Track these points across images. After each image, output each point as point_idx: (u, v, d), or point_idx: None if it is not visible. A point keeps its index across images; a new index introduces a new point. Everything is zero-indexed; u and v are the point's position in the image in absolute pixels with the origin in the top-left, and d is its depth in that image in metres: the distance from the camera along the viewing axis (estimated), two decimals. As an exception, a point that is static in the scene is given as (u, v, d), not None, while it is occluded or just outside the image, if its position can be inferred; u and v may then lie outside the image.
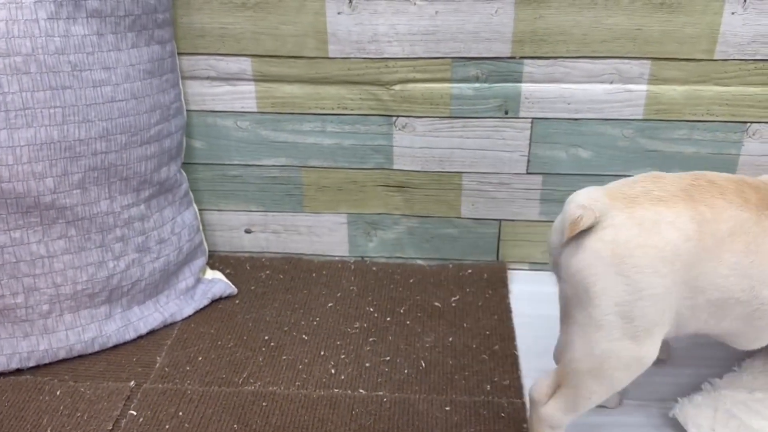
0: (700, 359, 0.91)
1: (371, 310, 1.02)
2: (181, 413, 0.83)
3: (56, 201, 0.86)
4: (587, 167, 1.04)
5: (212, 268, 1.12)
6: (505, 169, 1.05)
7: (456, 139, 1.04)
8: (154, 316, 0.98)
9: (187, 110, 1.05)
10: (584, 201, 0.66)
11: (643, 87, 0.98)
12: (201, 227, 1.08)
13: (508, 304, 1.03)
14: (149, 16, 0.91)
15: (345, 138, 1.05)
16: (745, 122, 0.99)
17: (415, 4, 0.95)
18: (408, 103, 1.02)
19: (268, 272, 1.12)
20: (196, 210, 1.06)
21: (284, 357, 0.93)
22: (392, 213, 1.11)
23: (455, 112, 1.02)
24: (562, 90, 0.99)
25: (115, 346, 0.95)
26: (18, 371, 0.90)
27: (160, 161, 0.97)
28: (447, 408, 0.84)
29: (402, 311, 1.02)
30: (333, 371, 0.90)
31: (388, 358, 0.93)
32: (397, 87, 1.01)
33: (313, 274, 1.11)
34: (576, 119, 1.00)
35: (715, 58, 0.95)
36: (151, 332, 0.98)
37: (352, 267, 1.13)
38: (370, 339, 0.96)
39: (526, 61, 0.97)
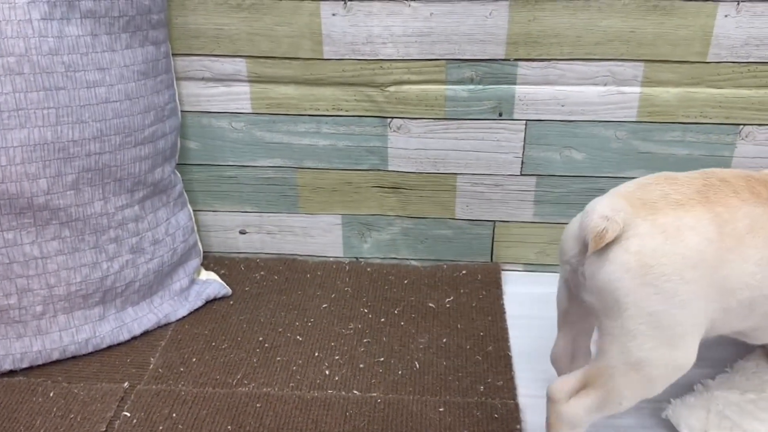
0: (693, 360, 0.91)
1: (365, 311, 1.03)
2: (174, 414, 0.83)
3: (50, 202, 0.86)
4: (581, 169, 1.04)
5: (207, 269, 1.12)
6: (499, 171, 1.05)
7: (450, 141, 1.04)
8: (148, 317, 0.98)
9: (182, 111, 1.05)
10: (607, 211, 0.65)
11: (637, 89, 0.98)
12: (195, 228, 1.08)
13: (502, 305, 1.03)
14: (143, 17, 0.91)
15: (340, 139, 1.05)
16: (738, 124, 0.99)
17: (409, 5, 0.95)
18: (403, 104, 1.02)
19: (262, 273, 1.12)
20: (191, 211, 1.06)
21: (278, 358, 0.93)
22: (387, 214, 1.11)
23: (450, 114, 1.02)
24: (556, 92, 0.99)
25: (109, 347, 0.95)
26: (11, 372, 0.90)
27: (155, 162, 0.96)
28: (441, 409, 0.84)
29: (396, 312, 1.02)
30: (327, 372, 0.90)
31: (382, 359, 0.93)
32: (392, 88, 1.01)
33: (308, 275, 1.11)
34: (570, 121, 1.01)
35: (708, 60, 0.96)
36: (145, 333, 0.98)
37: (347, 268, 1.13)
38: (365, 340, 0.96)
39: (520, 63, 0.98)
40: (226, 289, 1.06)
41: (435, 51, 0.98)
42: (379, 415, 0.83)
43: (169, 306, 1.00)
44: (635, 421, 0.83)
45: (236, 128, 1.06)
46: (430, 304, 1.04)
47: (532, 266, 1.13)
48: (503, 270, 1.12)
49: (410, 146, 1.05)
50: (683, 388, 0.86)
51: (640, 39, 0.95)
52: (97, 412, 0.84)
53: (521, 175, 1.06)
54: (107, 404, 0.85)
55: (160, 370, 0.91)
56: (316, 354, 0.94)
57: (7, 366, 0.89)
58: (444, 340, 0.96)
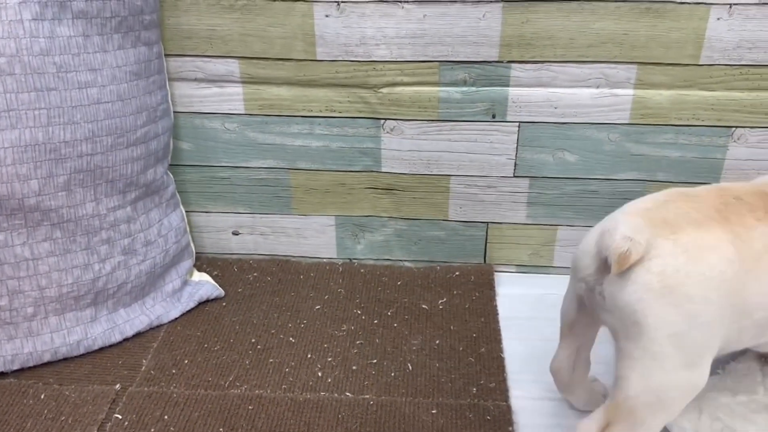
0: (685, 362, 0.92)
1: (359, 312, 1.02)
2: (166, 417, 0.83)
3: (41, 203, 0.86)
4: (574, 171, 1.04)
5: (199, 270, 1.11)
6: (492, 173, 1.06)
7: (444, 143, 1.04)
8: (141, 319, 0.98)
9: (175, 112, 1.05)
10: (629, 232, 0.64)
11: (630, 91, 0.98)
12: (188, 229, 1.07)
13: (495, 306, 1.03)
14: (136, 18, 0.91)
15: (333, 140, 1.05)
16: (731, 127, 1.00)
17: (403, 7, 0.95)
18: (396, 106, 1.02)
19: (255, 274, 1.11)
20: (183, 212, 1.06)
21: (271, 360, 0.93)
22: (380, 215, 1.11)
23: (443, 116, 1.02)
24: (549, 94, 0.99)
25: (101, 349, 0.94)
26: (1, 374, 0.90)
27: (147, 163, 0.96)
28: (433, 411, 0.84)
29: (389, 314, 1.02)
30: (320, 374, 0.90)
31: (375, 360, 0.93)
32: (385, 90, 1.01)
33: (301, 276, 1.11)
34: (563, 123, 1.01)
35: (700, 63, 0.96)
36: (138, 335, 0.97)
37: (340, 269, 1.13)
38: (358, 342, 0.96)
39: (513, 65, 0.98)
40: (219, 291, 1.05)
41: (428, 53, 0.98)
42: (372, 417, 0.83)
43: (162, 307, 1.00)
44: (627, 423, 0.83)
45: (229, 129, 1.06)
46: (423, 306, 1.04)
47: (525, 267, 1.13)
48: (496, 271, 1.13)
49: (403, 148, 1.05)
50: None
51: (632, 41, 0.95)
52: (89, 415, 0.83)
53: (514, 176, 1.06)
54: (99, 406, 0.84)
55: (152, 372, 0.91)
56: (309, 356, 0.93)
57: (-2, 368, 0.89)
58: (437, 342, 0.96)
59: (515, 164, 1.05)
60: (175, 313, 1.01)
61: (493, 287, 1.08)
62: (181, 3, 0.97)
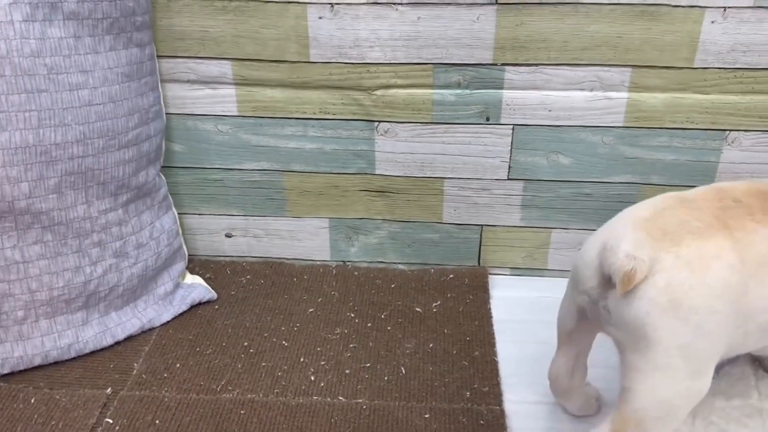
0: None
1: (352, 315, 1.02)
2: (158, 421, 0.82)
3: (31, 206, 0.85)
4: (567, 174, 1.04)
5: (192, 272, 1.11)
6: (486, 175, 1.05)
7: (438, 145, 1.04)
8: (132, 322, 0.97)
9: (167, 113, 1.04)
10: (632, 250, 0.64)
11: (624, 94, 0.98)
12: (180, 231, 1.07)
13: (489, 309, 1.03)
14: (128, 19, 0.90)
15: (327, 143, 1.05)
16: (725, 130, 1.00)
17: (396, 9, 0.95)
18: (390, 108, 1.01)
19: (248, 277, 1.11)
20: (176, 214, 1.05)
21: (263, 364, 0.92)
22: (374, 218, 1.11)
23: (437, 118, 1.02)
24: (543, 97, 0.99)
25: (92, 353, 0.94)
26: (-8, 378, 0.89)
27: (139, 165, 0.95)
28: (426, 415, 0.83)
29: (383, 317, 1.02)
30: (312, 378, 0.90)
31: (368, 364, 0.92)
32: (379, 92, 1.00)
33: (295, 279, 1.10)
34: (557, 126, 1.01)
35: (695, 66, 0.96)
36: (129, 338, 0.97)
37: (334, 272, 1.12)
38: (351, 345, 0.96)
39: (507, 67, 0.97)
40: (212, 293, 1.05)
41: (422, 55, 0.97)
42: (365, 421, 0.82)
43: (154, 310, 0.99)
44: (621, 427, 0.83)
45: (222, 131, 1.05)
46: (417, 309, 1.03)
47: (519, 270, 1.13)
48: (490, 274, 1.12)
49: (397, 150, 1.05)
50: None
51: (627, 44, 0.95)
52: (79, 419, 0.83)
53: (508, 179, 1.05)
54: (89, 411, 0.84)
55: (143, 375, 0.90)
56: (302, 359, 0.93)
57: (-12, 372, 0.88)
58: (431, 345, 0.96)
59: (509, 167, 1.04)
60: (167, 317, 1.00)
61: (487, 290, 1.07)
62: (173, 4, 0.96)
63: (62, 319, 0.91)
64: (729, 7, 0.92)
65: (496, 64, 0.97)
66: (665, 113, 0.99)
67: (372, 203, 1.09)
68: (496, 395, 0.87)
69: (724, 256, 0.65)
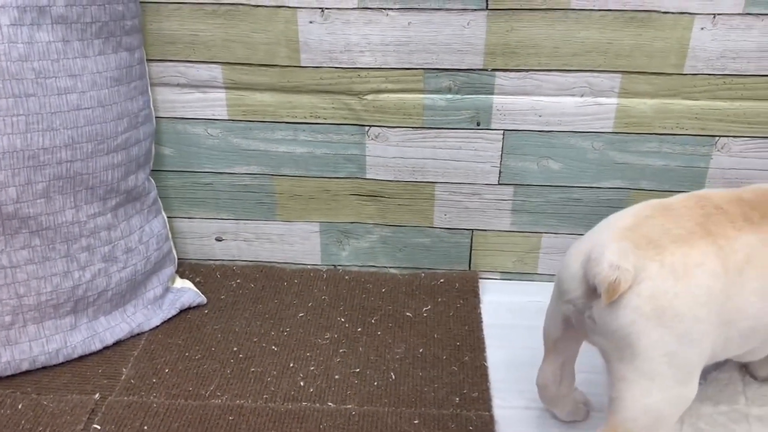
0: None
1: (342, 320, 1.02)
2: (146, 427, 0.82)
3: (19, 210, 0.84)
4: (557, 179, 1.04)
5: (182, 276, 1.10)
6: (477, 180, 1.05)
7: (428, 150, 1.04)
8: (121, 327, 0.97)
9: (157, 117, 1.04)
10: (616, 259, 0.64)
11: (614, 100, 0.98)
12: (170, 236, 1.06)
13: (479, 314, 1.03)
14: (117, 23, 0.90)
15: (317, 147, 1.05)
16: (714, 136, 1.00)
17: (387, 14, 0.95)
18: (380, 113, 1.01)
19: (238, 281, 1.10)
20: (165, 218, 1.05)
21: (253, 369, 0.92)
22: (365, 222, 1.11)
23: (428, 123, 1.02)
24: (533, 102, 0.99)
25: (81, 358, 0.93)
26: (-21, 384, 0.89)
27: (128, 169, 0.95)
28: (415, 421, 0.83)
29: (373, 321, 1.02)
30: (302, 384, 0.89)
31: (357, 369, 0.92)
32: (370, 97, 1.00)
33: (285, 283, 1.10)
34: (547, 131, 1.01)
35: (684, 72, 0.96)
36: (118, 343, 0.96)
37: (325, 276, 1.12)
38: (341, 350, 0.96)
39: (497, 73, 0.97)
40: (201, 298, 1.05)
41: (413, 60, 0.97)
42: (354, 427, 0.82)
43: (143, 315, 0.99)
44: (609, 433, 0.83)
45: (212, 135, 1.05)
46: (408, 313, 1.03)
47: (509, 275, 1.13)
48: (481, 278, 1.12)
49: (388, 155, 1.04)
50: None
51: (617, 50, 0.95)
52: (67, 425, 0.82)
53: (499, 184, 1.05)
54: (77, 416, 0.83)
55: (132, 381, 0.90)
56: (291, 365, 0.93)
57: (-25, 377, 0.87)
58: (420, 350, 0.96)
59: (500, 172, 1.05)
60: (156, 321, 1.00)
61: (478, 294, 1.08)
62: (163, 8, 0.96)
63: (50, 323, 0.90)
64: (718, 14, 0.92)
65: (486, 70, 0.97)
66: (655, 119, 0.99)
67: (363, 207, 1.09)
68: (486, 401, 0.87)
69: (708, 263, 0.65)
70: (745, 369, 0.90)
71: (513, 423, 0.85)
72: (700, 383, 0.88)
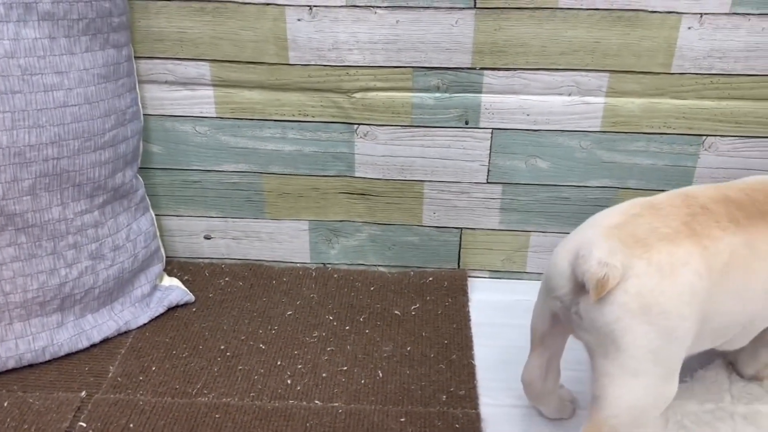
0: (653, 370, 0.92)
1: (331, 318, 1.02)
2: (132, 425, 0.82)
3: (5, 208, 0.84)
4: (545, 177, 1.04)
5: (171, 274, 1.10)
6: (465, 178, 1.05)
7: (417, 148, 1.04)
8: (108, 324, 0.96)
9: (145, 114, 1.03)
10: (604, 257, 0.65)
11: (601, 99, 0.98)
12: (158, 233, 1.06)
13: (468, 312, 1.03)
14: (104, 20, 0.89)
15: (306, 145, 1.05)
16: (701, 135, 1.00)
17: (375, 12, 0.95)
18: (369, 111, 1.01)
19: (227, 279, 1.10)
20: (153, 216, 1.05)
21: (240, 367, 0.92)
22: (354, 220, 1.11)
23: (416, 121, 1.02)
24: (521, 101, 0.99)
25: (67, 355, 0.93)
26: (-36, 381, 0.88)
27: (115, 167, 0.95)
28: (402, 419, 0.84)
29: (362, 319, 1.02)
30: (289, 382, 0.89)
31: (345, 368, 0.92)
32: (358, 95, 1.00)
33: (274, 281, 1.10)
34: (535, 130, 1.01)
35: (672, 71, 0.96)
36: (105, 341, 0.96)
37: (314, 274, 1.12)
38: (329, 348, 0.96)
39: (486, 72, 0.97)
40: (189, 296, 1.04)
41: (401, 58, 0.97)
42: (340, 425, 0.82)
43: (130, 313, 0.99)
44: None
45: (200, 132, 1.05)
46: (396, 312, 1.03)
47: (498, 273, 1.13)
48: (470, 277, 1.13)
49: (377, 153, 1.04)
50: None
51: (604, 50, 0.95)
52: (53, 423, 0.82)
53: (487, 183, 1.06)
54: (63, 414, 0.83)
55: (118, 378, 0.89)
56: (279, 363, 0.93)
57: (-40, 375, 0.87)
58: (408, 348, 0.96)
59: (488, 170, 1.05)
60: (143, 319, 0.99)
61: (466, 293, 1.08)
62: (151, 5, 0.96)
63: (37, 321, 0.90)
64: (705, 14, 0.92)
65: (474, 68, 0.97)
66: (642, 118, 0.99)
67: (352, 206, 1.09)
68: (473, 398, 0.87)
69: (693, 262, 0.66)
70: (732, 367, 0.91)
71: (500, 421, 0.85)
72: (686, 381, 0.88)
